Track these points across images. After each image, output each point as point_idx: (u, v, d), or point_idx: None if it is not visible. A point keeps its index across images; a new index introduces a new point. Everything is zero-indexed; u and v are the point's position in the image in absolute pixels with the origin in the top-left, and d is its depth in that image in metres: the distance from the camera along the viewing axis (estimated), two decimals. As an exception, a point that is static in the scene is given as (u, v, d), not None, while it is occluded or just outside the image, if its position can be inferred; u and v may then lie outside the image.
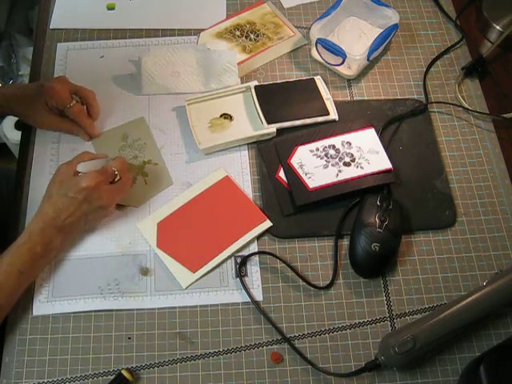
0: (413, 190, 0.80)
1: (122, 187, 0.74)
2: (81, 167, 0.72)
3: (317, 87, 0.87)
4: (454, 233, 0.78)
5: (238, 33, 0.95)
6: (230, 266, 0.74)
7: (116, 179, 0.73)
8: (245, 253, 0.75)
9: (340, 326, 0.71)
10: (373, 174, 0.78)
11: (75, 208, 0.69)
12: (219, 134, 0.83)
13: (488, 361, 0.63)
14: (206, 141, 0.82)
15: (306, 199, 0.76)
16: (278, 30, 0.95)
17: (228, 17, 0.97)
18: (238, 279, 0.73)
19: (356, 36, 0.93)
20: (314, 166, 0.79)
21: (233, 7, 0.98)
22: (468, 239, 0.78)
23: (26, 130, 0.85)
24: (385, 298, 0.73)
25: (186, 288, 0.73)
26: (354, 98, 0.89)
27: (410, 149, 0.84)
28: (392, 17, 0.89)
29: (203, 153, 0.82)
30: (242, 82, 0.89)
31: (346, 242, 0.76)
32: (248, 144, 0.84)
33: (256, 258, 0.75)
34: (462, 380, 0.67)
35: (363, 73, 0.91)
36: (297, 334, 0.71)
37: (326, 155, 0.80)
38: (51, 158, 0.82)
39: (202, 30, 0.95)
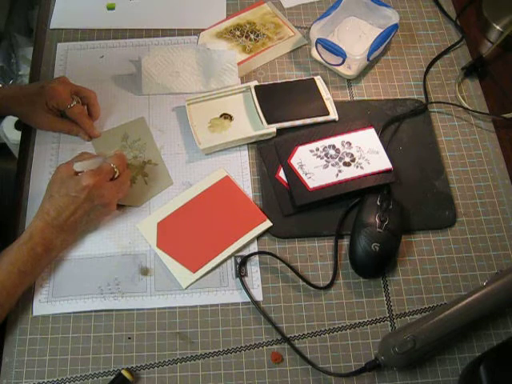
0: (413, 190, 0.80)
1: (122, 183, 0.74)
2: (77, 166, 0.71)
3: (317, 87, 0.87)
4: (453, 233, 0.78)
5: (238, 33, 0.95)
6: (230, 265, 0.74)
7: (115, 175, 0.73)
8: (245, 253, 0.75)
9: (340, 325, 0.71)
10: (373, 174, 0.78)
11: (77, 207, 0.69)
12: (219, 134, 0.83)
13: (488, 361, 0.63)
14: (206, 141, 0.82)
15: (306, 199, 0.76)
16: (277, 30, 0.95)
17: (228, 17, 0.97)
18: (238, 279, 0.73)
19: (356, 36, 0.93)
20: (314, 165, 0.79)
21: (233, 7, 0.98)
22: (468, 239, 0.78)
23: (26, 130, 0.85)
24: (385, 298, 0.73)
25: (186, 288, 0.73)
26: (354, 98, 0.89)
27: (410, 149, 0.84)
28: (392, 17, 0.89)
29: (203, 153, 0.82)
30: (242, 82, 0.89)
31: (346, 242, 0.76)
32: (248, 144, 0.84)
33: (256, 258, 0.75)
34: (462, 380, 0.67)
35: (363, 73, 0.91)
36: (297, 334, 0.71)
37: (326, 155, 0.80)
38: (51, 158, 0.82)
39: (202, 29, 0.95)
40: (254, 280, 0.73)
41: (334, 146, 0.81)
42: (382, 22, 0.92)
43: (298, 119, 0.84)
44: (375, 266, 0.73)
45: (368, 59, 0.87)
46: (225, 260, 0.74)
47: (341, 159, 0.79)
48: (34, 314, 0.71)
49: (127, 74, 0.90)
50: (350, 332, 0.71)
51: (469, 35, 0.97)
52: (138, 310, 0.72)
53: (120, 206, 0.77)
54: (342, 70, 0.89)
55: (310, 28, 0.89)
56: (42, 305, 0.71)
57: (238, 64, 0.89)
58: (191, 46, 0.93)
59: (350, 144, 0.81)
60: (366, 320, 0.72)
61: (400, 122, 0.86)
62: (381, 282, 0.74)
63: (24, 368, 0.68)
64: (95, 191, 0.70)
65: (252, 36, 0.94)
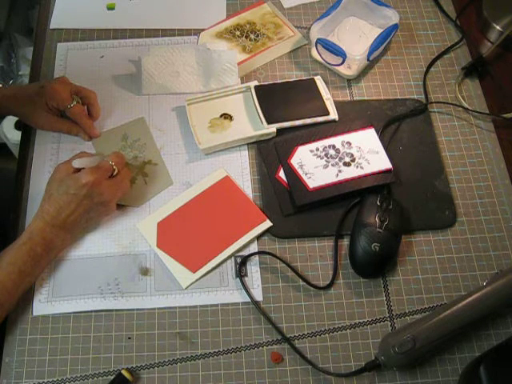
0: (413, 190, 0.80)
1: (121, 181, 0.74)
2: (76, 163, 0.71)
3: (317, 87, 0.87)
4: (453, 233, 0.78)
5: (238, 33, 0.95)
6: (230, 266, 0.74)
7: (114, 173, 0.73)
8: (245, 253, 0.75)
9: (340, 325, 0.71)
10: (373, 174, 0.78)
11: (76, 205, 0.69)
12: (219, 134, 0.83)
13: (488, 361, 0.63)
14: (206, 141, 0.82)
15: (306, 199, 0.76)
16: (278, 30, 0.95)
17: (228, 17, 0.97)
18: (238, 279, 0.73)
19: (356, 36, 0.93)
20: (314, 165, 0.79)
21: (233, 7, 0.98)
22: (468, 239, 0.78)
23: (26, 130, 0.85)
24: (385, 298, 0.73)
25: (186, 288, 0.73)
26: (354, 98, 0.89)
27: (410, 149, 0.84)
28: (392, 17, 0.89)
29: (203, 153, 0.82)
30: (242, 82, 0.89)
31: (346, 242, 0.76)
32: (248, 144, 0.84)
33: (256, 258, 0.75)
34: (462, 380, 0.67)
35: (363, 73, 0.91)
36: (297, 334, 0.71)
37: (326, 155, 0.80)
38: (51, 158, 0.82)
39: (202, 29, 0.95)
40: (253, 280, 0.73)
41: (334, 146, 0.81)
42: (381, 22, 0.92)
43: (297, 119, 0.84)
44: (375, 265, 0.73)
45: (368, 59, 0.87)
46: (225, 260, 0.74)
47: (341, 159, 0.79)
48: (34, 314, 0.71)
49: (127, 74, 0.90)
50: (350, 332, 0.71)
51: (469, 35, 0.97)
52: (138, 309, 0.72)
53: (120, 206, 0.77)
54: (341, 70, 0.89)
55: (309, 28, 0.89)
56: (42, 305, 0.71)
57: (238, 64, 0.89)
58: (191, 45, 0.93)
59: (350, 144, 0.81)
60: (365, 320, 0.72)
61: (400, 122, 0.86)
62: (381, 282, 0.74)
63: (24, 368, 0.68)
64: (95, 188, 0.69)
65: (252, 36, 0.95)
